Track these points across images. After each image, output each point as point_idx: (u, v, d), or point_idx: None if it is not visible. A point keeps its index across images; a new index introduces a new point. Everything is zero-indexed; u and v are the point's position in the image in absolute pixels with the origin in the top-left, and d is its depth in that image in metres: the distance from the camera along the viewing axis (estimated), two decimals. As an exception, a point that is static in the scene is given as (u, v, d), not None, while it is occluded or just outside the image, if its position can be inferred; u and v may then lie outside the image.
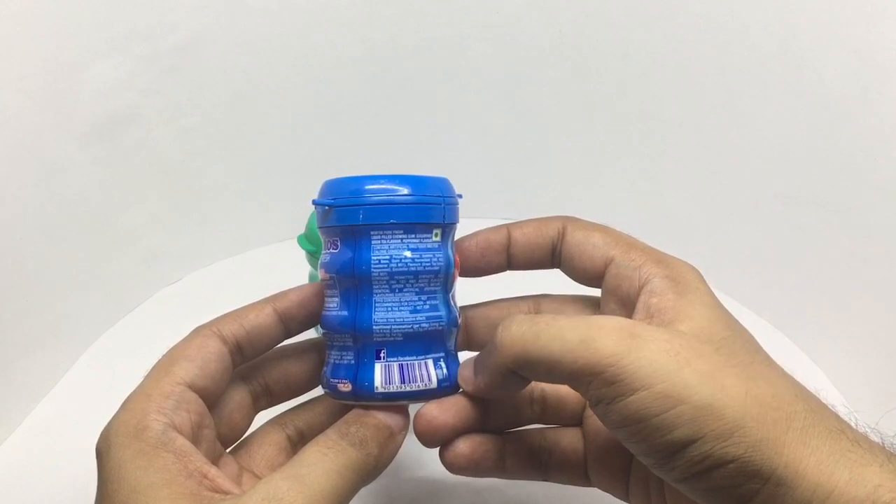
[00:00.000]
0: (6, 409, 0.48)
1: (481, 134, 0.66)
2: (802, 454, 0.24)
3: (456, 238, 0.33)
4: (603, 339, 0.26)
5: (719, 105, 0.56)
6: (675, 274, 0.29)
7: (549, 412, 0.35)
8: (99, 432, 0.28)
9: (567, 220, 0.33)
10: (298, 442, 0.33)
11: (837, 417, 0.26)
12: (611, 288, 0.31)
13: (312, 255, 0.46)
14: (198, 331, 0.31)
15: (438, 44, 0.62)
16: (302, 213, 0.47)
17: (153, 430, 0.27)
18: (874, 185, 0.47)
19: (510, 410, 0.34)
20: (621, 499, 0.33)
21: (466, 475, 0.33)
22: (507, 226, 0.33)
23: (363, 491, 0.34)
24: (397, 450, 0.30)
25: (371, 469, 0.28)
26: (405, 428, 0.30)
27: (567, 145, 0.65)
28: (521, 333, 0.27)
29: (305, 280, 0.49)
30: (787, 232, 0.54)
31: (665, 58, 0.57)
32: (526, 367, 0.28)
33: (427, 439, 0.31)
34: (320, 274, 0.32)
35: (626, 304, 0.30)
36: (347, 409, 0.31)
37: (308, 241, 0.46)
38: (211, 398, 0.30)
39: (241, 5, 0.57)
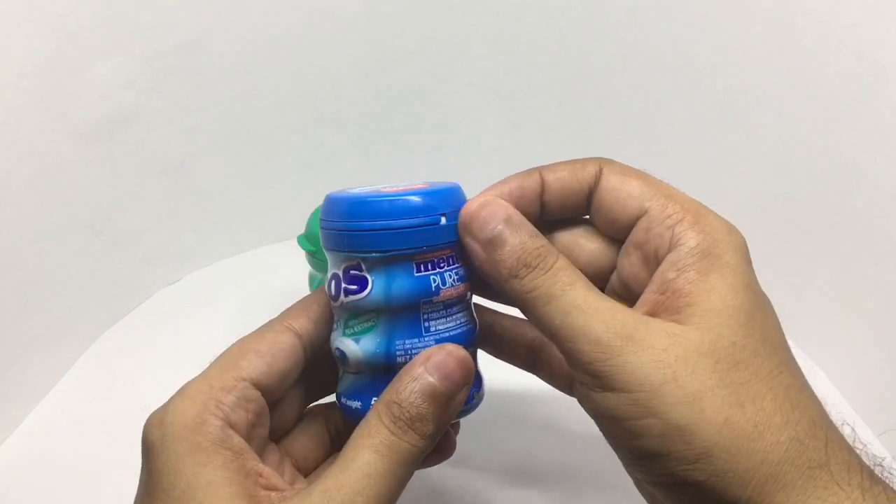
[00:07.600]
0: (6, 409, 0.48)
1: (481, 134, 0.66)
2: (771, 489, 0.23)
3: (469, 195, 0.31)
4: (602, 332, 0.25)
5: (719, 105, 0.56)
6: (707, 243, 0.26)
7: None
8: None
9: (604, 161, 0.30)
10: (336, 437, 0.32)
11: (824, 449, 0.24)
12: (638, 241, 0.28)
13: (312, 255, 0.46)
14: (270, 325, 0.30)
15: (438, 44, 0.62)
16: (302, 213, 0.47)
17: (212, 425, 0.26)
18: (874, 185, 0.47)
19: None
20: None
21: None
22: (539, 169, 0.30)
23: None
24: (457, 409, 0.27)
25: (423, 453, 0.26)
26: (465, 380, 0.27)
27: (566, 145, 0.65)
28: (535, 285, 0.26)
29: (305, 280, 0.49)
30: (787, 232, 0.54)
31: (665, 58, 0.57)
32: (525, 313, 0.27)
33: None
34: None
35: (648, 262, 0.28)
36: None
37: (308, 241, 0.46)
38: (273, 396, 0.29)
39: (241, 6, 0.57)
